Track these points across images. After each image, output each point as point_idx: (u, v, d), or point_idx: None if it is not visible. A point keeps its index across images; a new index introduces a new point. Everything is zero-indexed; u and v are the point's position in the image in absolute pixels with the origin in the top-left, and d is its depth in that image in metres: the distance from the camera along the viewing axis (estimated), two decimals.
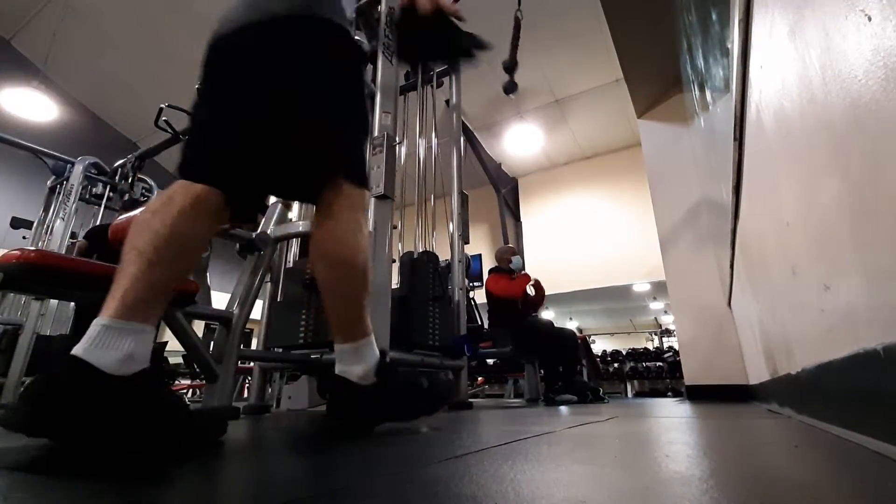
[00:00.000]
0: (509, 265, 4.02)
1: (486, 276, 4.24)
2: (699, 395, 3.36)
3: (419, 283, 2.68)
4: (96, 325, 0.81)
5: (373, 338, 1.12)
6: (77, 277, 1.25)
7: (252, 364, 3.07)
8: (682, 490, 0.47)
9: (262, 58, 1.00)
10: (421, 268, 2.74)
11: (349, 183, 1.05)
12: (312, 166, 1.03)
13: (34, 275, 1.17)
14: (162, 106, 4.25)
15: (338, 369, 1.09)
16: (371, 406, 1.08)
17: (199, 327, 2.23)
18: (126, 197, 4.94)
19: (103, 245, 3.22)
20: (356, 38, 1.21)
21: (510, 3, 2.82)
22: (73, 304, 4.28)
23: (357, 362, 1.08)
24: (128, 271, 0.85)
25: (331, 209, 1.04)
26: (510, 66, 2.72)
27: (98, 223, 5.11)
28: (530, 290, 3.94)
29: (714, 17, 1.48)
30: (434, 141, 3.29)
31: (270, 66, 0.99)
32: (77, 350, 0.78)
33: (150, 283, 0.85)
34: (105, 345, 0.79)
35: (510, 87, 2.78)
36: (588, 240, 8.33)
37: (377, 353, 1.12)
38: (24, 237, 5.33)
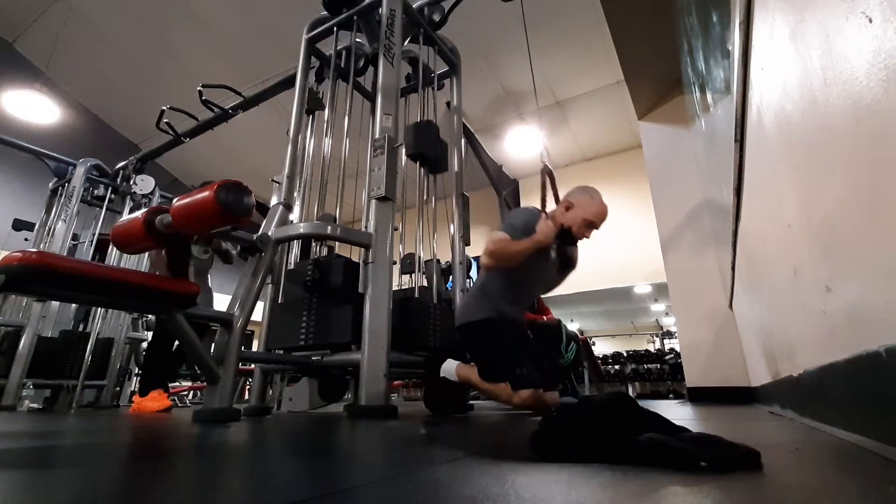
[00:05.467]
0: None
1: None
2: (701, 396, 3.35)
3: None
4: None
5: None
6: (78, 279, 1.26)
7: (253, 366, 3.07)
8: (683, 492, 0.47)
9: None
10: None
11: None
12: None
13: (36, 277, 1.17)
14: (163, 108, 4.26)
15: None
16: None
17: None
18: (127, 199, 4.94)
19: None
20: None
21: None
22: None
23: None
24: None
25: None
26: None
27: (99, 225, 5.12)
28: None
29: (714, 18, 1.48)
30: None
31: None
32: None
33: None
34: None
35: (566, 264, 2.37)
36: (589, 241, 8.26)
37: None
38: (25, 239, 5.34)
